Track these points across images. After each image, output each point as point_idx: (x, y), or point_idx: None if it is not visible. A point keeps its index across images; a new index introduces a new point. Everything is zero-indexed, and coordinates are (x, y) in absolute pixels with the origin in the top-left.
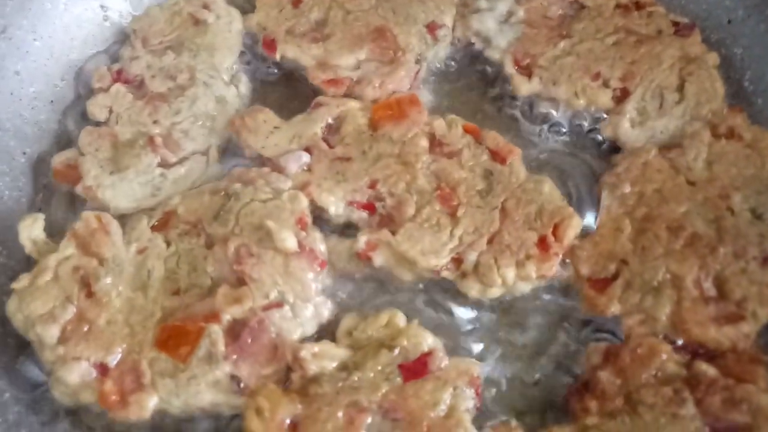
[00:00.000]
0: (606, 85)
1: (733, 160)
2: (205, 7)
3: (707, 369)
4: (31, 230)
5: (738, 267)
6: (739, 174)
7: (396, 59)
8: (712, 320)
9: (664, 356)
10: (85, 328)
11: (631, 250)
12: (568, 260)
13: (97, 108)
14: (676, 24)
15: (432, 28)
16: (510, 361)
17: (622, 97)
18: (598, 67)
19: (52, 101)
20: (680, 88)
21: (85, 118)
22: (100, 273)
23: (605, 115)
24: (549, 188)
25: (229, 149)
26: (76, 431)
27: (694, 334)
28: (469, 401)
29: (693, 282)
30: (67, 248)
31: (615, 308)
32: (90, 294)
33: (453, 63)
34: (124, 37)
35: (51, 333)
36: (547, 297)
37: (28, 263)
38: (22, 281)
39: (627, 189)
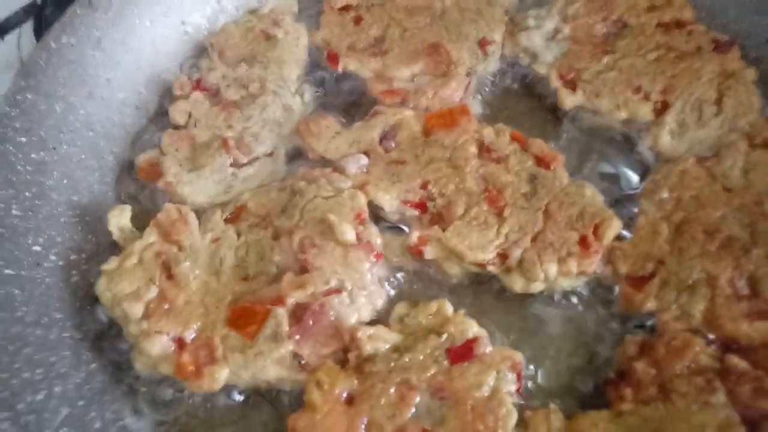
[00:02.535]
0: (647, 98)
1: None
2: (276, 24)
3: (739, 362)
4: (119, 219)
5: None
6: None
7: (448, 72)
8: (744, 316)
9: (698, 349)
10: (166, 307)
11: (668, 251)
12: (608, 260)
13: (177, 113)
14: (715, 41)
15: (483, 44)
16: (550, 353)
17: (662, 109)
18: (640, 81)
19: (137, 107)
20: (718, 102)
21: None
22: (179, 258)
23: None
24: (590, 192)
25: (294, 151)
26: (153, 400)
27: (727, 330)
28: (510, 384)
29: (727, 281)
30: (151, 236)
31: (651, 304)
32: (170, 276)
33: (502, 76)
34: (202, 50)
35: (136, 310)
36: (585, 293)
37: (115, 249)
38: (111, 264)
39: (665, 195)
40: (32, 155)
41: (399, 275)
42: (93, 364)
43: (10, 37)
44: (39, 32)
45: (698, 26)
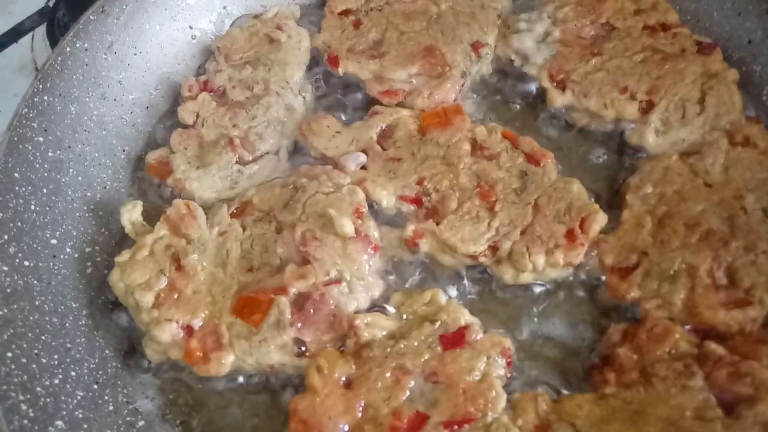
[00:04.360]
0: (633, 98)
1: (748, 165)
2: (279, 28)
3: (716, 348)
4: (131, 214)
5: (748, 259)
6: (753, 178)
7: (443, 74)
8: (722, 305)
9: (677, 336)
10: (175, 296)
11: (651, 243)
12: (594, 252)
13: (186, 113)
14: (699, 43)
15: (476, 46)
16: (538, 339)
17: (647, 108)
18: (626, 82)
19: (147, 107)
20: (701, 101)
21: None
22: (188, 251)
23: (632, 125)
24: (577, 188)
25: (296, 150)
26: (163, 384)
27: (705, 317)
28: (500, 369)
29: (706, 271)
30: (161, 230)
31: (634, 293)
32: (179, 268)
33: (495, 77)
34: (209, 53)
35: (147, 299)
36: (572, 283)
37: (127, 242)
38: (124, 256)
39: (649, 190)
40: (49, 153)
41: (395, 266)
42: (106, 351)
43: (24, 40)
44: (52, 34)
45: (683, 29)
